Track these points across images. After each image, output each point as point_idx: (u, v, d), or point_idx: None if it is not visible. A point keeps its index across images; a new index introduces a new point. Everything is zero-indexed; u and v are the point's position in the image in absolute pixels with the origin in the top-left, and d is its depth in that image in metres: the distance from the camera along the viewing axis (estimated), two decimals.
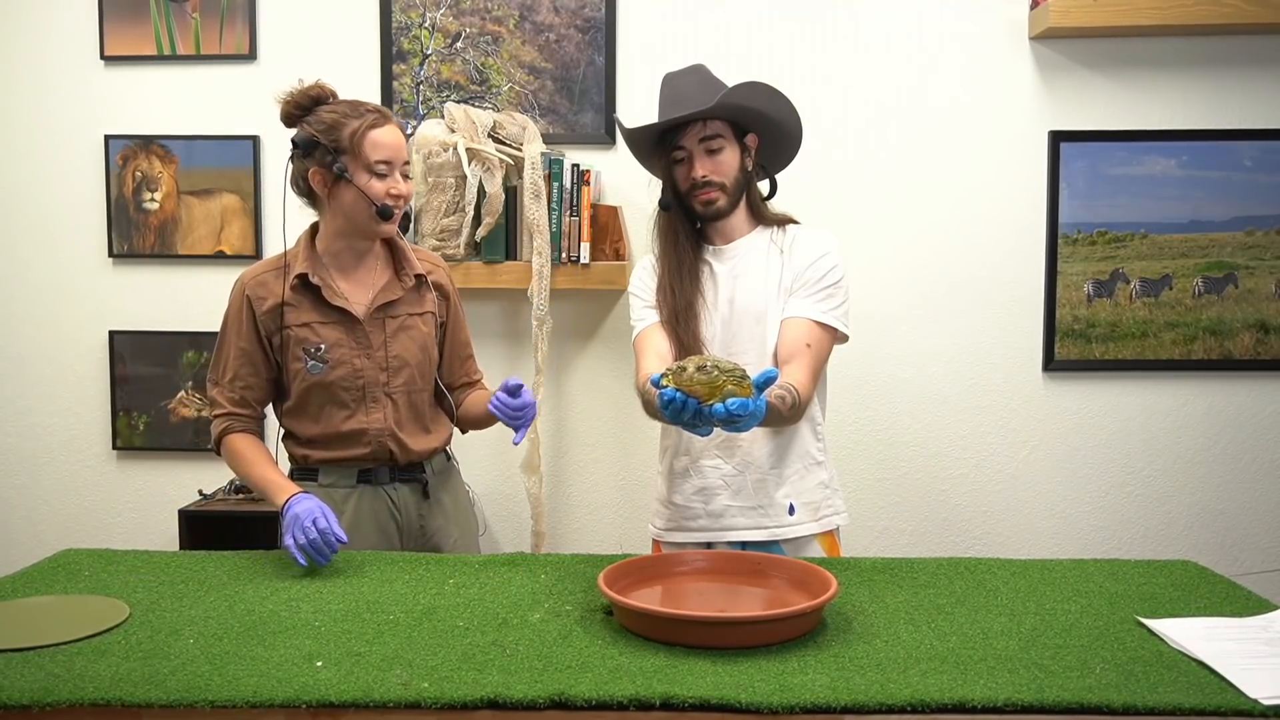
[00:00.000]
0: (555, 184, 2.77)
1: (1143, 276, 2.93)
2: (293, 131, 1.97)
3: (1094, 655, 1.37)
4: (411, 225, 2.82)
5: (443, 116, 2.84)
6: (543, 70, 2.97)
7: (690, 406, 1.59)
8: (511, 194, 2.80)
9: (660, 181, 2.10)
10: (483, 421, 2.11)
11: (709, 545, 2.05)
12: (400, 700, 1.25)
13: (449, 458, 2.18)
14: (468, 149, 2.74)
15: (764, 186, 2.20)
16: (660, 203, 2.10)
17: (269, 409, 2.08)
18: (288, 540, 1.78)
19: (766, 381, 1.60)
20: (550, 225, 2.78)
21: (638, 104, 2.91)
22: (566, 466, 3.05)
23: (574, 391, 3.04)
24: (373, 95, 2.98)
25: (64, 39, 3.04)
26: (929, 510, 3.00)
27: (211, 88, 3.03)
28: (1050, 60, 2.90)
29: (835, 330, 2.03)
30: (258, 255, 3.01)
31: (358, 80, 2.98)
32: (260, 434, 2.04)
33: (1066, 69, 2.90)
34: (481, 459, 3.02)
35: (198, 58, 3.02)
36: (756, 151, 2.10)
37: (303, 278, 1.97)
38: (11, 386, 3.13)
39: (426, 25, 2.97)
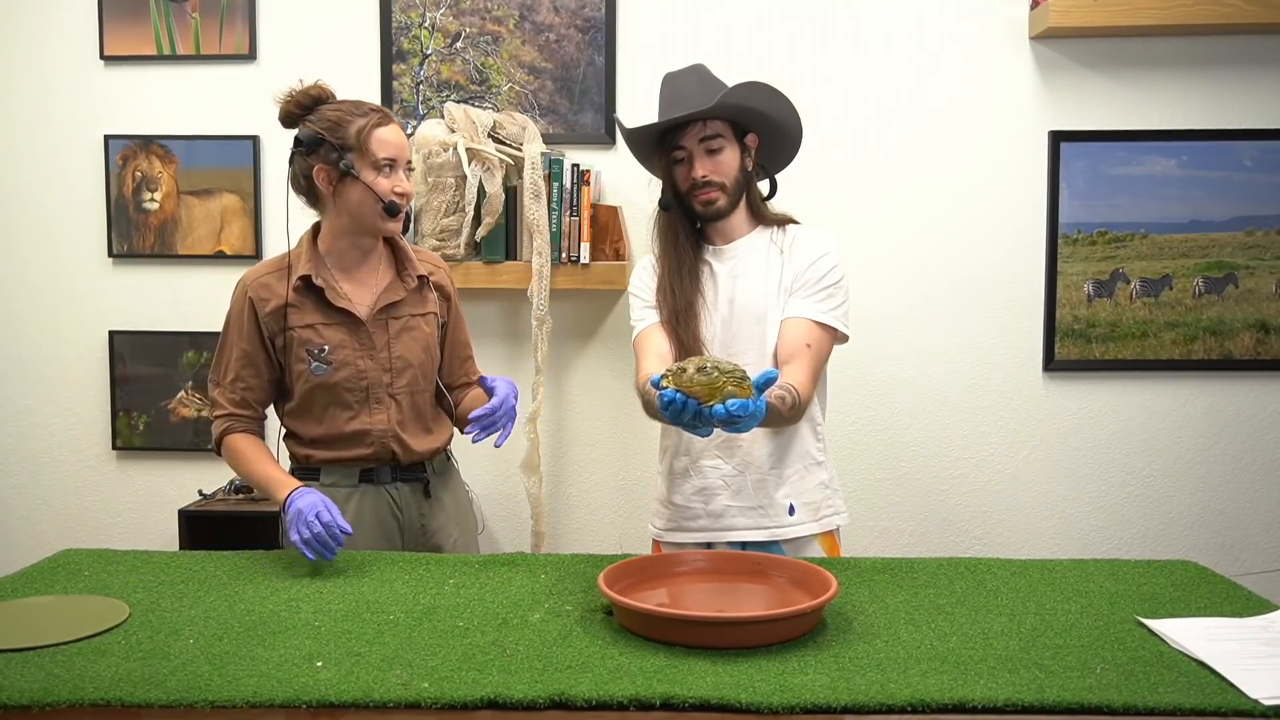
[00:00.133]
0: (555, 184, 2.77)
1: (1143, 276, 2.93)
2: (294, 132, 1.97)
3: (1094, 655, 1.37)
4: (411, 225, 2.82)
5: (443, 116, 2.84)
6: (543, 70, 2.97)
7: (690, 407, 1.59)
8: (511, 194, 2.80)
9: (660, 181, 2.10)
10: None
11: (709, 545, 2.05)
12: (400, 700, 1.25)
13: (448, 457, 2.18)
14: (468, 149, 2.74)
15: (764, 186, 2.20)
16: (660, 203, 2.10)
17: (270, 409, 2.08)
18: (293, 536, 1.78)
19: (766, 382, 1.60)
20: (550, 225, 2.78)
21: (638, 104, 2.91)
22: (566, 466, 3.05)
23: (574, 391, 3.04)
24: (373, 95, 2.98)
25: (64, 39, 3.04)
26: (929, 510, 3.00)
27: (211, 88, 3.03)
28: (1050, 60, 2.90)
29: (835, 330, 2.03)
30: (258, 255, 3.01)
31: (358, 80, 2.98)
32: (261, 434, 2.04)
33: (1066, 69, 2.90)
34: (481, 459, 3.01)
35: (198, 58, 3.02)
36: (756, 151, 2.10)
37: (306, 279, 1.97)
38: (11, 386, 3.13)
39: (426, 25, 2.97)
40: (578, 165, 2.79)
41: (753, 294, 2.03)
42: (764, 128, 2.08)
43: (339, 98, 2.00)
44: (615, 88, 2.96)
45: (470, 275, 2.80)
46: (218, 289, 2.03)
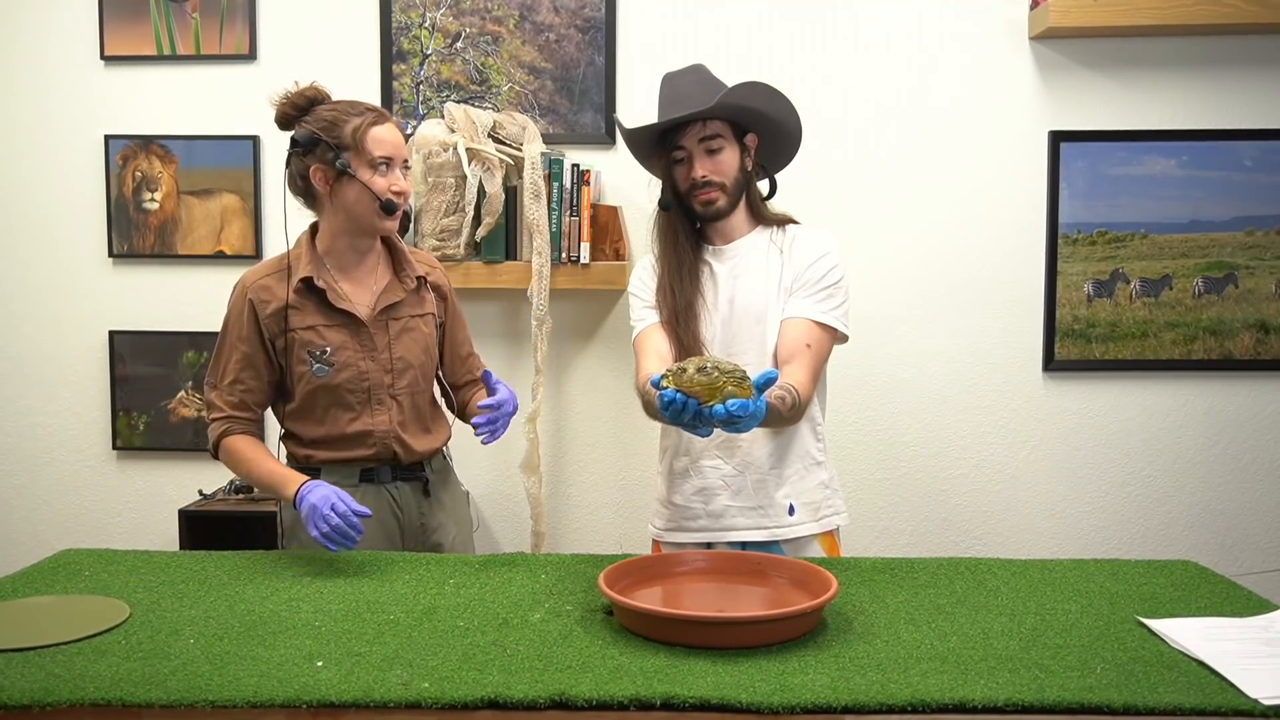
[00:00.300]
0: (555, 184, 2.77)
1: (1143, 276, 2.93)
2: (290, 132, 1.97)
3: (1094, 655, 1.37)
4: (411, 225, 2.82)
5: (443, 116, 2.84)
6: (543, 70, 2.97)
7: (690, 407, 1.59)
8: (511, 194, 2.80)
9: (660, 181, 2.10)
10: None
11: (709, 545, 2.05)
12: (400, 700, 1.25)
13: (445, 456, 2.18)
14: (468, 149, 2.74)
15: (764, 186, 2.20)
16: (660, 203, 2.10)
17: (268, 411, 2.07)
18: (313, 533, 1.79)
19: (766, 382, 1.60)
20: (550, 225, 2.78)
21: (638, 104, 2.91)
22: (566, 466, 3.05)
23: (574, 391, 3.04)
24: (373, 95, 2.98)
25: (64, 39, 3.04)
26: (929, 510, 3.00)
27: (211, 88, 3.03)
28: (1050, 60, 2.90)
29: (835, 330, 2.03)
30: (258, 255, 3.01)
31: (358, 80, 2.98)
32: (260, 436, 2.03)
33: (1066, 69, 2.90)
34: (481, 459, 3.02)
35: (198, 58, 3.02)
36: (756, 151, 2.10)
37: (307, 281, 1.96)
38: (11, 386, 3.13)
39: (426, 25, 2.97)
40: (578, 165, 2.79)
41: (752, 294, 2.03)
42: (764, 128, 2.08)
43: (335, 98, 2.00)
44: (615, 88, 2.96)
45: (470, 275, 2.80)
46: (218, 289, 2.02)
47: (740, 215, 2.09)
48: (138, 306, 3.08)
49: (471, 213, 2.77)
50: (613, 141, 2.95)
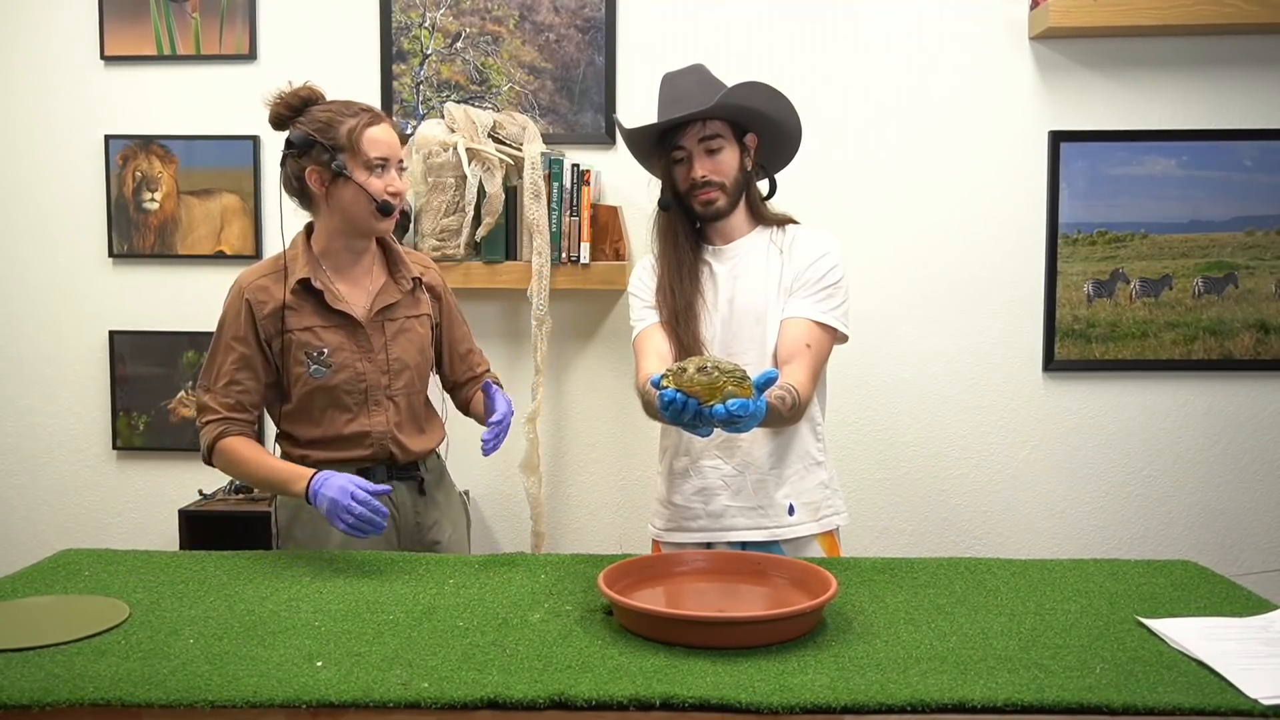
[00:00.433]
0: (555, 184, 2.78)
1: (1143, 276, 2.93)
2: (285, 132, 1.97)
3: (1094, 655, 1.37)
4: (411, 225, 2.82)
5: (443, 116, 2.84)
6: (543, 70, 2.97)
7: (690, 407, 1.59)
8: (511, 194, 2.80)
9: (660, 181, 2.10)
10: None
11: (709, 545, 2.05)
12: (400, 700, 1.25)
13: (439, 456, 2.18)
14: (468, 149, 2.74)
15: (764, 186, 2.20)
16: (660, 203, 2.10)
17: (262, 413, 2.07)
18: (340, 527, 1.79)
19: (767, 382, 1.60)
20: (550, 225, 2.78)
21: (638, 104, 2.91)
22: (566, 466, 3.05)
23: (574, 391, 3.04)
24: (373, 95, 2.98)
25: (64, 39, 3.04)
26: (929, 510, 3.00)
27: (211, 88, 3.03)
28: (1050, 60, 2.90)
29: (835, 330, 2.03)
30: (258, 255, 3.01)
31: (358, 80, 2.98)
32: (256, 438, 2.03)
33: (1066, 69, 2.90)
34: (481, 459, 3.01)
35: (198, 58, 3.02)
36: (756, 151, 2.10)
37: (305, 282, 1.96)
38: (11, 386, 3.13)
39: (426, 25, 2.97)
40: (578, 165, 2.79)
41: (752, 294, 2.03)
42: (763, 127, 2.08)
43: (331, 98, 1.99)
44: (615, 88, 2.96)
45: (470, 275, 2.81)
46: (218, 289, 2.01)
47: (740, 215, 2.09)
48: (138, 306, 3.08)
49: (471, 213, 2.77)
50: (613, 141, 2.95)
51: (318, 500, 1.82)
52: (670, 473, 2.12)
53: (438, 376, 2.20)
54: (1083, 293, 2.93)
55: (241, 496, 2.90)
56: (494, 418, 1.99)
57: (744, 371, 1.61)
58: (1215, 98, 2.89)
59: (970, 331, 2.96)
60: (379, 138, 1.93)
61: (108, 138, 3.04)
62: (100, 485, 3.13)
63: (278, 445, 2.06)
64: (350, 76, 2.97)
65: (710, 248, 2.10)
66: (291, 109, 1.96)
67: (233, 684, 1.29)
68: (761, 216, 2.11)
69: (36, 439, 3.14)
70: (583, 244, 2.79)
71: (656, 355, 2.01)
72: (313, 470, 1.87)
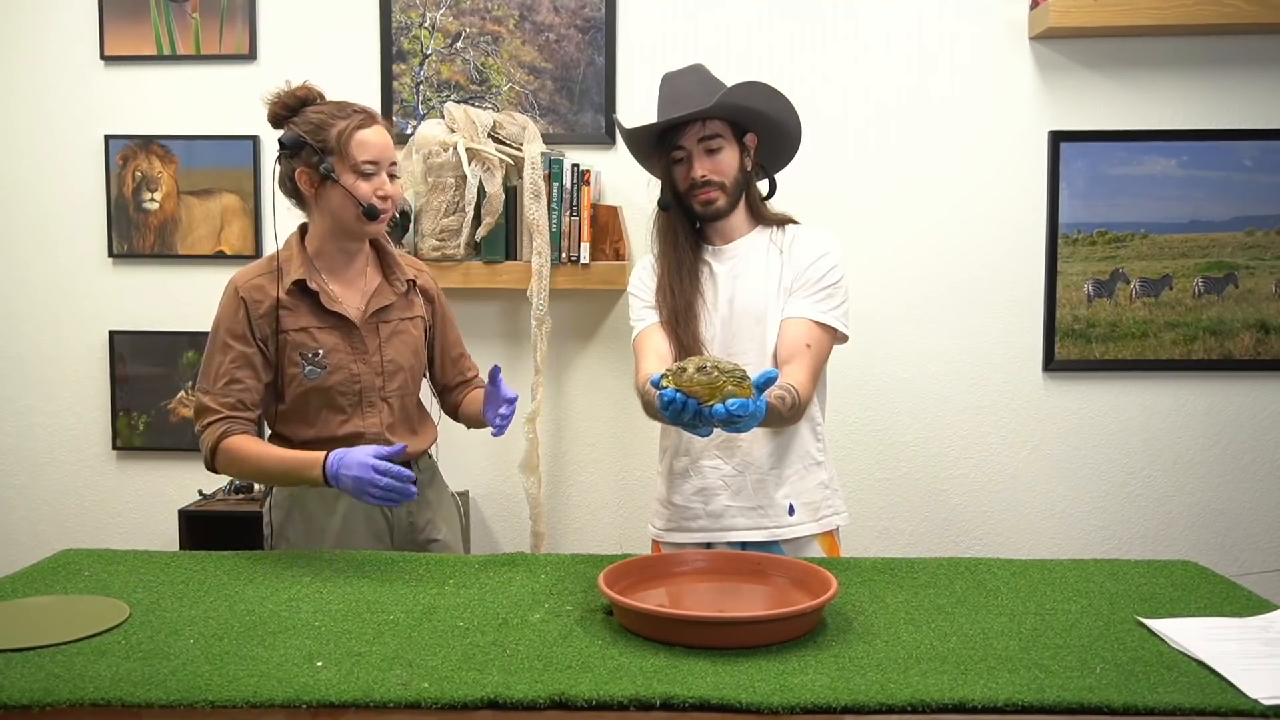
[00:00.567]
0: (555, 184, 2.77)
1: (1143, 276, 2.93)
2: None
3: (1094, 655, 1.37)
4: (411, 225, 2.82)
5: (443, 116, 2.84)
6: (543, 70, 2.97)
7: (690, 407, 1.59)
8: (511, 194, 2.80)
9: (660, 181, 2.10)
10: (484, 420, 2.11)
11: (709, 545, 2.05)
12: (400, 700, 1.25)
13: (432, 457, 2.18)
14: (468, 149, 2.75)
15: (763, 186, 2.20)
16: (660, 203, 2.10)
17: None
18: (370, 500, 1.78)
19: (766, 382, 1.60)
20: (550, 225, 2.78)
21: (638, 104, 2.91)
22: (566, 466, 3.05)
23: (574, 391, 3.04)
24: (373, 95, 2.98)
25: (64, 39, 3.04)
26: (929, 510, 3.00)
27: (211, 88, 3.03)
28: (1050, 60, 2.90)
29: (835, 330, 2.03)
30: (258, 255, 3.01)
31: (358, 80, 2.98)
32: (259, 436, 2.02)
33: (1066, 69, 2.90)
34: (481, 459, 3.02)
35: (198, 58, 3.02)
36: (756, 151, 2.10)
37: (300, 283, 1.96)
38: (11, 386, 3.13)
39: (426, 25, 2.97)
40: (578, 165, 2.79)
41: (752, 294, 2.03)
42: (763, 127, 2.08)
43: (330, 98, 1.99)
44: (615, 88, 2.96)
45: (470, 275, 2.81)
46: (218, 289, 2.01)
47: (740, 215, 2.09)
48: (138, 306, 3.08)
49: (471, 213, 2.77)
50: (613, 141, 2.95)
51: (339, 481, 1.80)
52: (670, 473, 2.12)
53: (428, 380, 2.21)
54: (1083, 293, 2.93)
55: (241, 496, 2.90)
56: (508, 394, 1.96)
57: (744, 371, 1.61)
58: (1215, 98, 2.89)
59: (970, 331, 2.96)
60: (369, 141, 1.92)
61: (108, 138, 3.04)
62: (100, 485, 3.13)
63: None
64: (350, 76, 2.97)
65: (710, 248, 2.10)
66: (288, 109, 1.96)
67: (233, 684, 1.29)
68: (761, 216, 2.11)
69: (36, 439, 3.14)
70: (583, 244, 2.79)
71: (656, 355, 2.01)
72: (322, 453, 1.85)
